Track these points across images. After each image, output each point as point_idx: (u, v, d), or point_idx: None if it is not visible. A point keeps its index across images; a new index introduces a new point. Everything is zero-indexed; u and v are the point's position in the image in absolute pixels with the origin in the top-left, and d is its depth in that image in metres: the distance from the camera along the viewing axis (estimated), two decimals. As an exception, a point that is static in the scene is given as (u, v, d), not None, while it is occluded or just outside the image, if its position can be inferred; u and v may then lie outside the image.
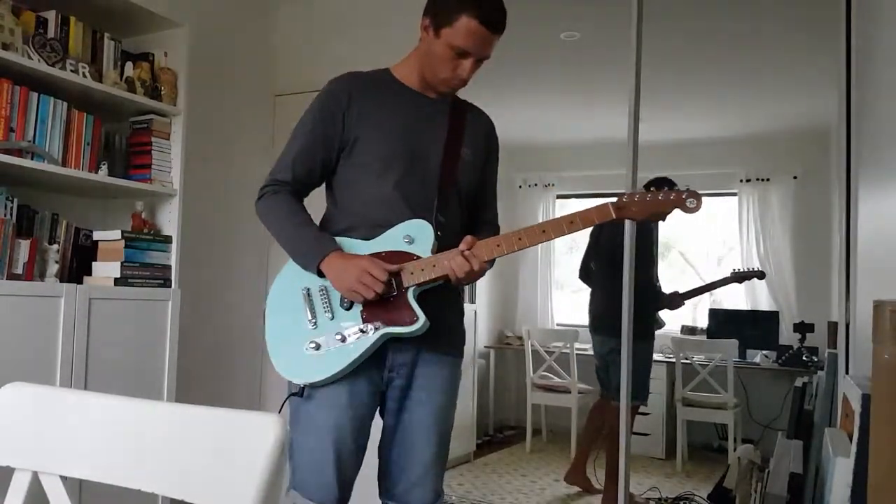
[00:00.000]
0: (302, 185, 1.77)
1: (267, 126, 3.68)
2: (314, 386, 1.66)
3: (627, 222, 2.78)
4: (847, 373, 2.25)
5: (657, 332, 3.73)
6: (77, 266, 2.54)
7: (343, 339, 1.64)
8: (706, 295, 4.28)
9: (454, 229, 1.74)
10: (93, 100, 2.52)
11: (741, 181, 4.47)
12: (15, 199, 2.32)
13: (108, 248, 2.53)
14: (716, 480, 3.10)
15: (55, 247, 2.43)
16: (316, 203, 1.83)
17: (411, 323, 1.63)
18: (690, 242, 5.07)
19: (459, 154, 1.78)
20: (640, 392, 3.42)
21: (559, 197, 5.42)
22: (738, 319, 4.48)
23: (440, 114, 1.79)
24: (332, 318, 1.66)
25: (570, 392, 4.53)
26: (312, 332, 1.66)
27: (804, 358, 3.89)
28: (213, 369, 3.37)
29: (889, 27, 1.88)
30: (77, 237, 2.55)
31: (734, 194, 4.50)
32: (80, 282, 2.48)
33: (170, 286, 2.65)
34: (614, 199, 1.65)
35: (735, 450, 3.73)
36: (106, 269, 2.50)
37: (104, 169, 2.50)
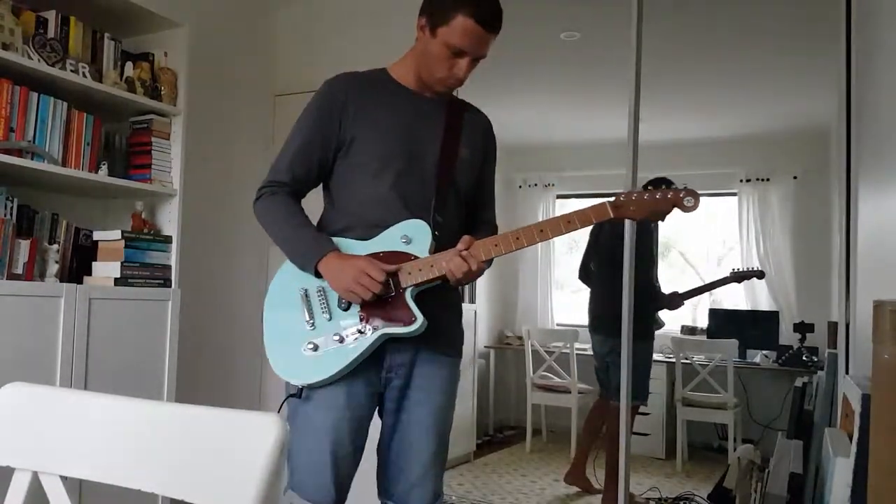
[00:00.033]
0: (300, 185, 1.77)
1: (267, 126, 3.68)
2: (312, 387, 1.66)
3: (627, 222, 2.78)
4: (847, 373, 2.25)
5: (657, 332, 3.72)
6: (77, 266, 2.54)
7: (341, 340, 1.64)
8: (706, 295, 4.28)
9: (452, 229, 1.73)
10: (93, 100, 2.52)
11: (741, 181, 4.46)
12: (15, 199, 2.32)
13: (108, 248, 2.53)
14: (716, 480, 3.10)
15: (55, 247, 2.43)
16: (314, 203, 1.83)
17: (409, 323, 1.63)
18: (690, 242, 5.07)
19: (457, 153, 1.77)
20: (639, 392, 3.42)
21: (559, 197, 5.41)
22: (738, 319, 4.47)
23: (437, 113, 1.79)
24: (330, 318, 1.66)
25: (569, 392, 4.53)
26: (310, 332, 1.66)
27: (804, 358, 3.89)
28: (213, 369, 3.37)
29: (889, 27, 1.88)
30: (77, 237, 2.55)
31: (734, 194, 4.49)
32: (80, 282, 2.48)
33: (170, 286, 2.65)
34: (612, 199, 1.65)
35: (735, 450, 3.72)
36: (106, 269, 2.50)
37: (104, 169, 2.50)
